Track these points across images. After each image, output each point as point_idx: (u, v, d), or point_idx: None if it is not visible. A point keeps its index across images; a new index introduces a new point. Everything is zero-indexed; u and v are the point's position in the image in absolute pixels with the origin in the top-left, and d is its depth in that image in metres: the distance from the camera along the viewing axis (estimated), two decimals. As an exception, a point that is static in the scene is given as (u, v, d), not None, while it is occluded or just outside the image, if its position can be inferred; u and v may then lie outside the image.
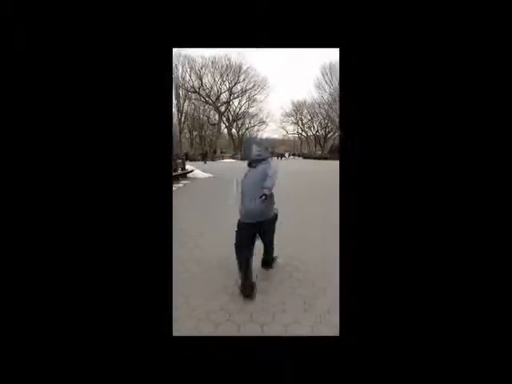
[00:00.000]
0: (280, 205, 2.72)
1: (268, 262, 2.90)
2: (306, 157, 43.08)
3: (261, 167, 2.33)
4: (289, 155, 43.28)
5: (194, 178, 10.69)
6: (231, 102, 46.01)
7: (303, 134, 54.26)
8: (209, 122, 45.65)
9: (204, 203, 6.91)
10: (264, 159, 2.37)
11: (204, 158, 27.84)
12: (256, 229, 2.47)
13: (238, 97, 46.07)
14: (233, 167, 18.74)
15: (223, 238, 3.65)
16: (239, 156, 39.16)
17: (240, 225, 2.47)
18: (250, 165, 2.44)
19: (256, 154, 2.36)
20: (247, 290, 2.40)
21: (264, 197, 2.18)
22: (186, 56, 40.18)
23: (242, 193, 2.44)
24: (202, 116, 44.73)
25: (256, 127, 52.82)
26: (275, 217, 2.59)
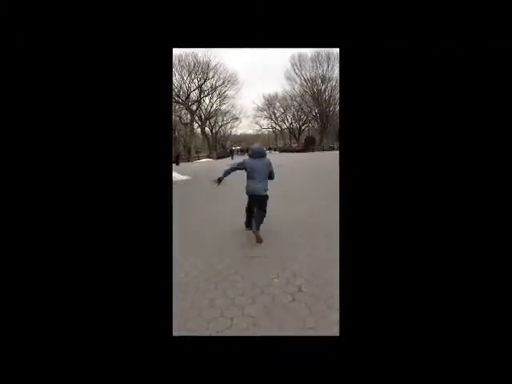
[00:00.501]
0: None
1: (252, 222, 3.87)
2: (282, 150, 43.00)
3: (266, 160, 3.80)
4: (265, 149, 42.91)
5: (175, 182, 10.43)
6: (202, 100, 45.31)
7: (277, 127, 54.15)
8: (181, 122, 44.85)
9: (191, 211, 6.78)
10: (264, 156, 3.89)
11: (177, 159, 26.15)
12: (257, 200, 3.77)
13: (208, 94, 45.31)
14: (210, 167, 18.42)
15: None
16: (215, 155, 38.84)
17: (250, 197, 3.85)
18: (252, 157, 3.77)
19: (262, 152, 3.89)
20: (247, 223, 4.10)
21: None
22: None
23: (253, 174, 3.66)
24: (173, 116, 43.79)
25: (229, 124, 52.50)
26: (267, 195, 3.81)
